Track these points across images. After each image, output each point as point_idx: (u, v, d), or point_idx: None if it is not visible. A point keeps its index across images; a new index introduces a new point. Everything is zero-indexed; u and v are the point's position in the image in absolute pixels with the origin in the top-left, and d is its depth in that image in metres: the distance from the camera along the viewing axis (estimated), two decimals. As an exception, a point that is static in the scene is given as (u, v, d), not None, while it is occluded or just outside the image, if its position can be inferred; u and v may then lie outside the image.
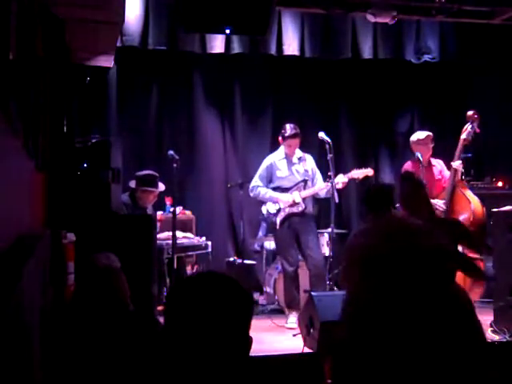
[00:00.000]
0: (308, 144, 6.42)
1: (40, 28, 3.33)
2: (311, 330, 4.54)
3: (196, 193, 7.37)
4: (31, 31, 2.73)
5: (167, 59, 7.10)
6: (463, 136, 5.63)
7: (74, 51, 4.96)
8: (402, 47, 7.34)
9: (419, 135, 5.95)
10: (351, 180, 5.96)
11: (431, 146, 5.90)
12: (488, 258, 5.37)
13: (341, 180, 5.81)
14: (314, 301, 4.54)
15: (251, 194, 6.10)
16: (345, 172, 5.95)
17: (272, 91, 7.69)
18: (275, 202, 5.94)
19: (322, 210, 6.98)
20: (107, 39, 4.96)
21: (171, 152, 5.56)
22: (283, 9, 6.57)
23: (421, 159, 5.63)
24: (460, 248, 4.43)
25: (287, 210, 5.88)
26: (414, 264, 1.33)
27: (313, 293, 4.73)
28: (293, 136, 5.89)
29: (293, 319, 5.59)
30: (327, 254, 6.06)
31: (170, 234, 5.47)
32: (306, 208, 5.90)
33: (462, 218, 5.36)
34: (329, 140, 5.74)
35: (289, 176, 6.00)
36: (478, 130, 5.63)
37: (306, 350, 4.52)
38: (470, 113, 5.67)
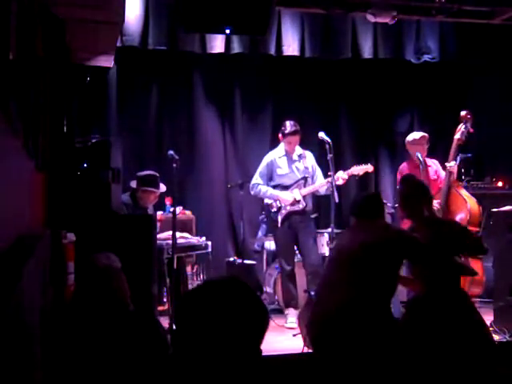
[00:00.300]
0: (308, 144, 6.41)
1: (40, 28, 3.33)
2: (311, 330, 4.53)
3: (196, 193, 7.37)
4: (31, 31, 2.73)
5: (167, 59, 7.10)
6: (457, 136, 5.66)
7: (74, 51, 4.96)
8: (402, 47, 7.35)
9: (415, 135, 5.98)
10: (351, 176, 5.97)
11: (426, 146, 5.92)
12: (485, 257, 5.36)
13: (341, 176, 5.82)
14: (314, 301, 4.53)
15: (252, 192, 6.10)
16: (345, 170, 5.96)
17: (272, 91, 7.69)
18: (276, 200, 5.95)
19: (321, 210, 6.99)
20: (107, 39, 4.96)
21: (171, 152, 5.55)
22: (283, 9, 6.57)
23: (421, 159, 5.64)
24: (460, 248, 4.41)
25: (288, 208, 5.89)
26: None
27: (312, 293, 4.73)
28: (293, 133, 5.89)
29: (292, 319, 5.60)
30: (327, 254, 6.06)
31: (170, 233, 5.46)
32: (306, 206, 5.92)
33: (458, 217, 5.37)
34: (329, 140, 5.74)
35: (289, 173, 6.00)
36: (471, 130, 5.66)
37: (306, 349, 4.53)
38: (463, 113, 5.71)
